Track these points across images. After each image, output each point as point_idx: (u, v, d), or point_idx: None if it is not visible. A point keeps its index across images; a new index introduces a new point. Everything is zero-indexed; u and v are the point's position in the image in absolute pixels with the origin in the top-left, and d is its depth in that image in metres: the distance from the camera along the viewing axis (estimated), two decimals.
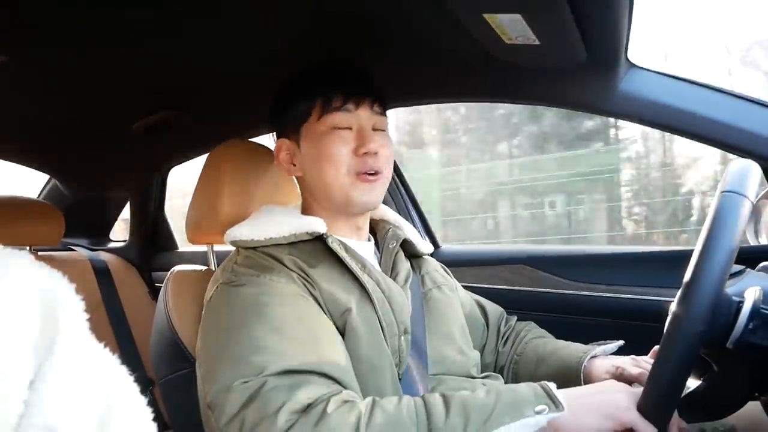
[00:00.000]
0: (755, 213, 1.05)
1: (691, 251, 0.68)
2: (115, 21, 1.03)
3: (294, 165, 1.00)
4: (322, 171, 0.95)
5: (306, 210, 1.03)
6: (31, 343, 0.37)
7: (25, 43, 1.12)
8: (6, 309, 0.37)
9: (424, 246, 1.11)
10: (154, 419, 0.43)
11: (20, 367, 0.36)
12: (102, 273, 2.10)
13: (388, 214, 1.11)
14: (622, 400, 0.73)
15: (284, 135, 1.01)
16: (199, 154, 1.97)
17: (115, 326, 1.99)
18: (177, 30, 1.08)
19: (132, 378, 0.44)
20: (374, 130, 0.97)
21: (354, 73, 1.00)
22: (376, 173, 0.95)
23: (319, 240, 0.93)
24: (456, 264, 1.44)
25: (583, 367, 0.98)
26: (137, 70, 1.29)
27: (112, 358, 0.44)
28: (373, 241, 1.05)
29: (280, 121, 1.02)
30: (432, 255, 1.18)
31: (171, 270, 1.08)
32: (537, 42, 0.92)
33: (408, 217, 1.70)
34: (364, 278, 0.91)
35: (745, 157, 1.02)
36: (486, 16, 0.84)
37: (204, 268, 1.13)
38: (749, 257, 0.90)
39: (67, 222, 1.96)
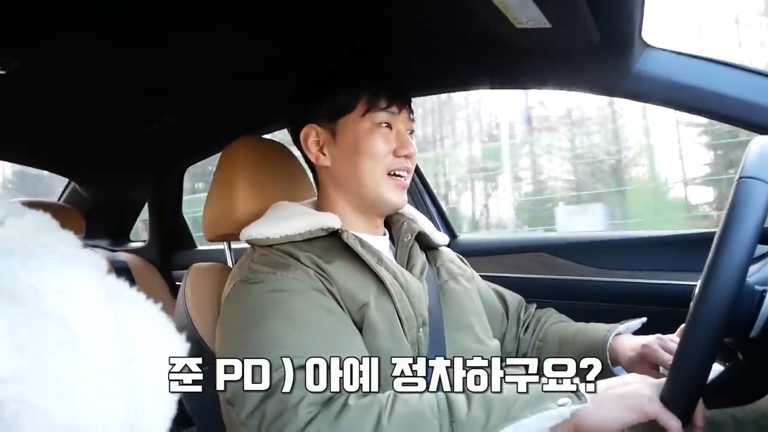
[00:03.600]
0: None
1: (713, 233, 0.66)
2: (130, 24, 1.03)
3: (323, 154, 0.99)
4: (360, 166, 0.95)
5: (323, 202, 1.02)
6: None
7: (40, 47, 1.13)
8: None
9: (439, 237, 1.11)
10: (178, 416, 0.44)
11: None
12: (122, 273, 2.12)
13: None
14: (645, 391, 0.72)
15: (314, 121, 0.99)
16: (214, 153, 1.98)
17: None
18: (190, 31, 1.08)
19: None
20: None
21: (395, 77, 1.00)
22: (407, 173, 0.98)
23: (335, 236, 0.93)
24: (473, 254, 1.43)
25: (608, 344, 0.98)
26: (150, 72, 1.30)
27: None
28: (387, 235, 1.05)
29: (311, 108, 1.00)
30: (449, 246, 1.17)
31: (190, 267, 1.09)
32: (548, 25, 0.90)
33: (425, 209, 1.69)
34: (382, 272, 0.90)
35: (764, 134, 1.01)
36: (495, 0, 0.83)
37: (222, 264, 1.13)
38: None
39: (88, 224, 1.99)
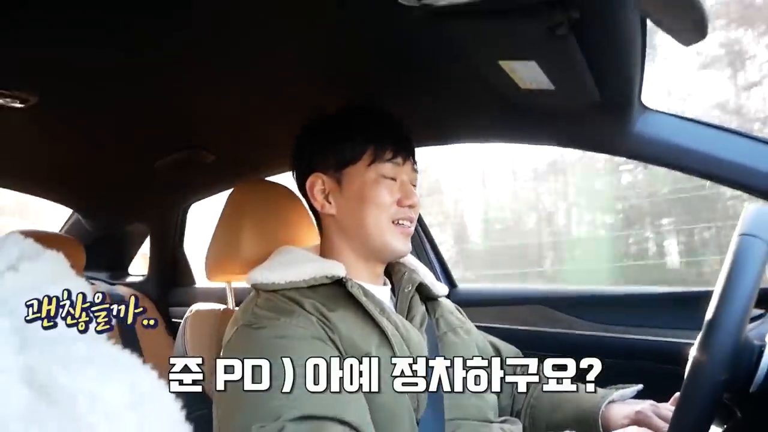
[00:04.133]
0: None
1: (711, 292, 0.68)
2: (140, 61, 1.06)
3: (329, 202, 1.01)
4: (365, 215, 0.97)
5: (326, 248, 1.03)
6: None
7: (54, 84, 1.16)
8: None
9: (439, 288, 1.11)
10: None
11: None
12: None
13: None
14: None
15: (320, 170, 1.01)
16: (219, 191, 2.00)
17: None
18: (200, 71, 1.11)
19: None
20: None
21: (402, 128, 1.02)
22: (411, 222, 1.00)
23: (339, 284, 0.94)
24: (472, 304, 1.44)
25: (600, 413, 0.97)
26: (161, 109, 1.32)
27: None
28: (389, 285, 1.06)
29: (317, 157, 1.02)
30: (448, 295, 1.17)
31: (190, 309, 1.09)
32: (551, 87, 0.94)
33: (427, 259, 1.70)
34: (384, 322, 0.90)
35: (760, 197, 1.03)
36: (501, 63, 0.86)
37: (223, 307, 1.13)
38: None
39: (88, 255, 1.99)
